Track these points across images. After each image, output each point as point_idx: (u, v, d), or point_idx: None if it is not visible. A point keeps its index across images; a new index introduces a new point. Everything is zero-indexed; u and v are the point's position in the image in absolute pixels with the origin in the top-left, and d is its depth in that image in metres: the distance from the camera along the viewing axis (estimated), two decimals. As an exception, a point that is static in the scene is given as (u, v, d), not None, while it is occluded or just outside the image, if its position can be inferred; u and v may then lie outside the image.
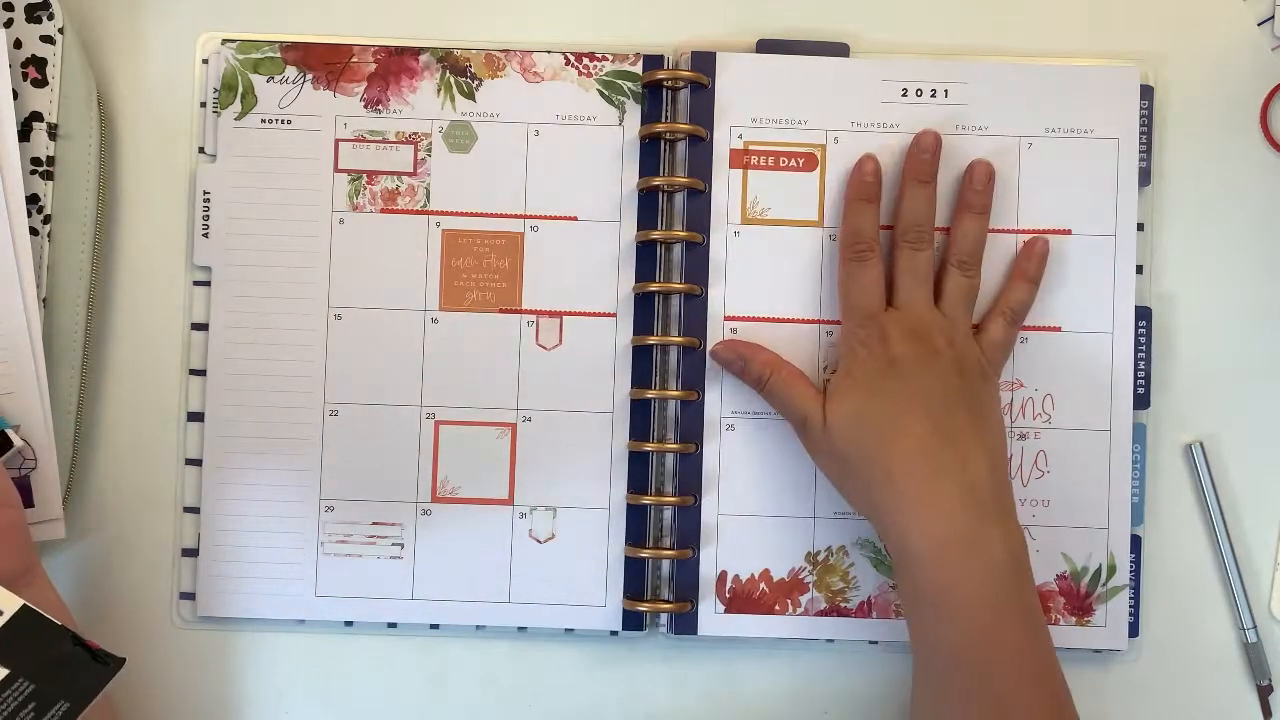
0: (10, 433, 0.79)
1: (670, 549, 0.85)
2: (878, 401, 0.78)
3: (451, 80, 0.86)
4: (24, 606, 0.66)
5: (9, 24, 0.81)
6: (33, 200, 0.81)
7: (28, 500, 0.80)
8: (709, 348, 0.85)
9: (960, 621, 0.74)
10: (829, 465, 0.81)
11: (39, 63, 0.82)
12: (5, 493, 0.75)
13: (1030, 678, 0.74)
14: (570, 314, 0.86)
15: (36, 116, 0.82)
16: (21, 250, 0.80)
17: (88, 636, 0.67)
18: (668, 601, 0.85)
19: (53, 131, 0.82)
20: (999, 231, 0.85)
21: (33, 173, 0.81)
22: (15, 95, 0.81)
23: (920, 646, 0.77)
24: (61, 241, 0.82)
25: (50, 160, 0.82)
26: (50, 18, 0.82)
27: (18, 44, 0.81)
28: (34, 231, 0.81)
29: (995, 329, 0.83)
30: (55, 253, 0.82)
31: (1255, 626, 0.86)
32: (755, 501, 0.85)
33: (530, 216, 0.86)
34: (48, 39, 0.82)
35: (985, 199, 0.84)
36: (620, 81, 0.86)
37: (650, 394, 0.85)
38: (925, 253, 0.82)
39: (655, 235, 0.85)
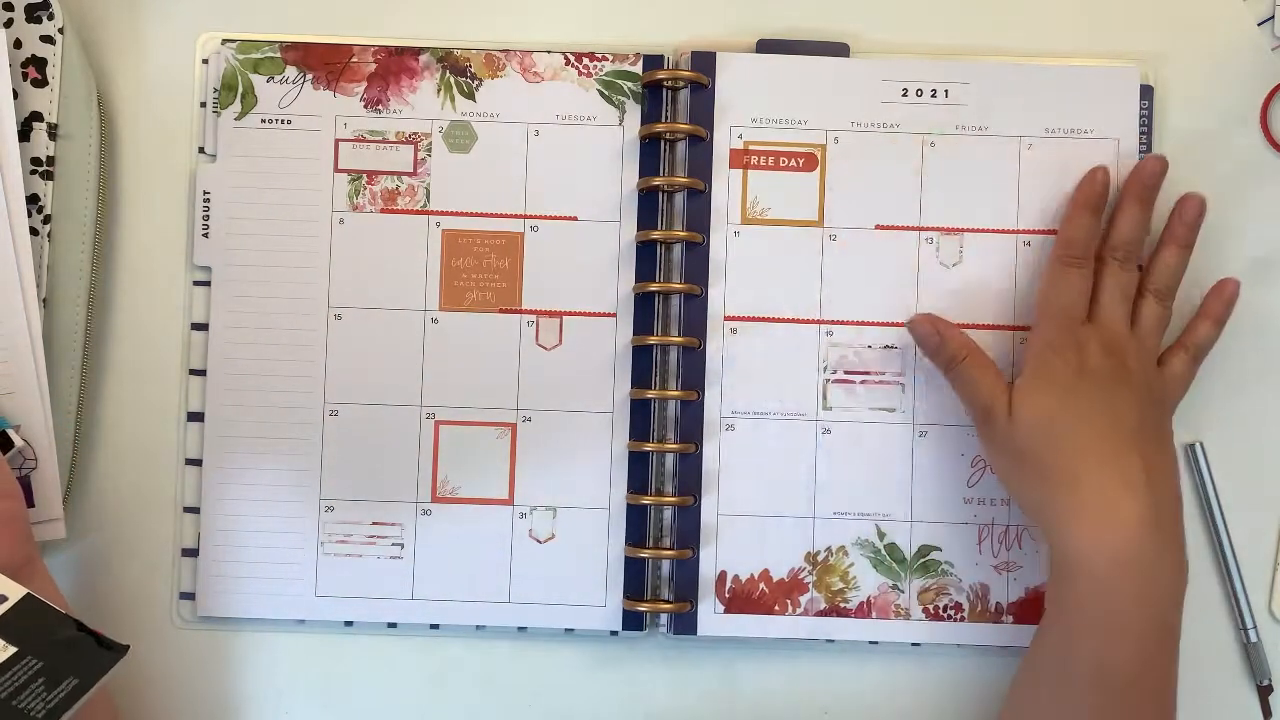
0: (11, 433, 0.79)
1: (670, 549, 0.85)
2: (1070, 407, 0.77)
3: (451, 80, 0.86)
4: (28, 594, 0.66)
5: (9, 24, 0.81)
6: (33, 200, 0.81)
7: (28, 500, 0.80)
8: (909, 321, 0.85)
9: (1126, 644, 0.74)
10: (1005, 460, 0.80)
11: (39, 63, 0.82)
12: (6, 484, 0.75)
13: (1171, 702, 0.76)
14: (570, 314, 0.86)
15: (36, 116, 0.82)
16: (21, 250, 0.80)
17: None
18: (667, 601, 0.85)
19: (53, 131, 0.82)
20: (999, 232, 0.86)
21: (33, 173, 0.81)
22: (15, 95, 0.81)
23: (1057, 657, 0.77)
24: (61, 241, 0.82)
25: (50, 160, 0.82)
26: (50, 18, 0.82)
27: (18, 44, 0.81)
28: (34, 231, 0.81)
29: (1178, 364, 0.83)
30: (55, 253, 0.82)
31: (1255, 626, 0.86)
32: (755, 501, 0.85)
33: (530, 216, 0.86)
34: (48, 39, 0.82)
35: (1192, 234, 0.84)
36: (620, 81, 0.86)
37: (650, 394, 0.85)
38: (1132, 273, 0.82)
39: (655, 235, 0.85)
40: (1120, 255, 0.81)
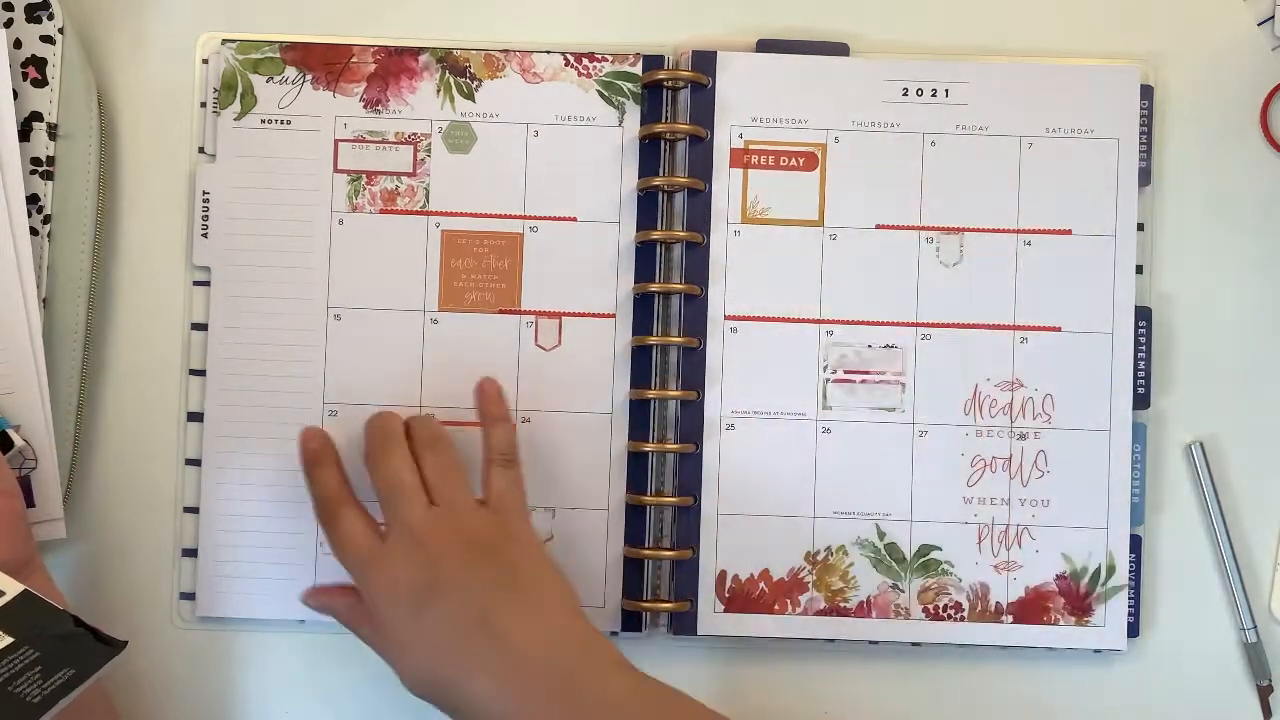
0: (11, 432, 0.79)
1: (670, 549, 0.85)
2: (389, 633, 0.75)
3: (451, 81, 0.86)
4: (25, 591, 0.67)
5: (9, 24, 0.81)
6: (33, 200, 0.81)
7: (28, 500, 0.80)
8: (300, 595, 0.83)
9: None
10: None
11: (39, 63, 0.82)
12: (5, 482, 0.75)
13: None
14: (569, 315, 0.86)
15: (36, 116, 0.82)
16: (21, 250, 0.80)
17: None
18: (667, 601, 0.85)
19: (53, 131, 0.82)
20: (1000, 231, 0.86)
21: (33, 173, 0.81)
22: (15, 95, 0.81)
23: None
24: (61, 241, 0.82)
25: (50, 160, 0.82)
26: (50, 18, 0.82)
27: (18, 44, 0.81)
28: (34, 231, 0.81)
29: (497, 479, 0.80)
30: (55, 253, 0.82)
31: (1255, 626, 0.86)
32: (754, 501, 0.85)
33: (530, 217, 0.86)
34: (48, 39, 0.82)
35: (503, 408, 0.83)
36: (620, 82, 0.86)
37: (650, 394, 0.85)
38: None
39: (655, 235, 0.85)
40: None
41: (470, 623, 0.72)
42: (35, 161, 0.82)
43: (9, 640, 0.63)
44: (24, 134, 0.81)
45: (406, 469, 0.78)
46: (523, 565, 0.77)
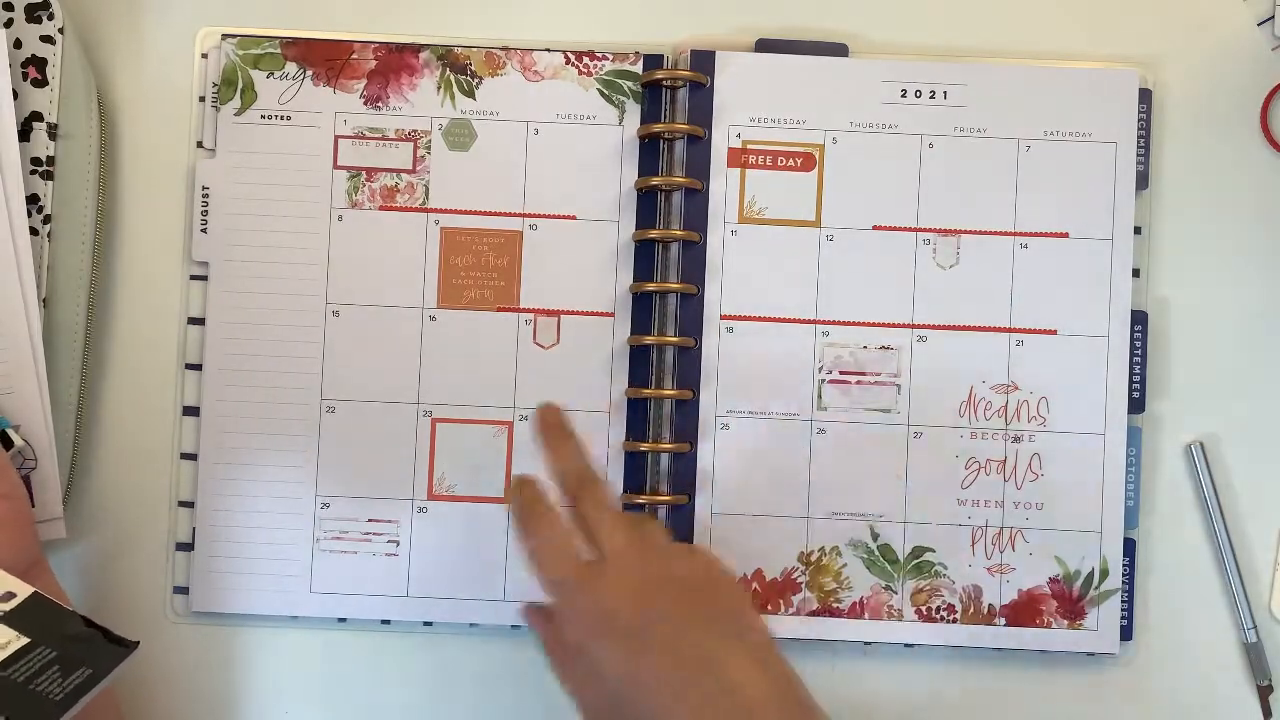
0: (11, 432, 0.80)
1: (664, 548, 0.85)
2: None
3: (451, 78, 0.87)
4: (35, 593, 0.68)
5: (9, 24, 0.82)
6: (33, 200, 0.82)
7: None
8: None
9: None
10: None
11: (39, 63, 0.82)
12: (9, 484, 0.76)
13: None
14: (568, 313, 0.86)
15: (36, 116, 0.82)
16: (21, 250, 0.80)
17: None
18: (661, 600, 0.85)
19: (53, 131, 0.82)
20: (997, 234, 0.86)
21: (33, 173, 0.82)
22: (15, 95, 0.81)
23: None
24: (61, 241, 0.83)
25: (50, 160, 0.82)
26: (50, 18, 0.82)
27: (18, 44, 0.82)
28: (34, 231, 0.81)
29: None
30: (55, 253, 0.82)
31: (1255, 626, 0.86)
32: (748, 501, 0.85)
33: (529, 215, 0.87)
34: (48, 39, 0.82)
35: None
36: (620, 81, 0.86)
37: (646, 393, 0.85)
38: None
39: (653, 234, 0.85)
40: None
41: (697, 669, 0.67)
42: (35, 161, 0.82)
43: (26, 640, 0.65)
44: (24, 134, 0.82)
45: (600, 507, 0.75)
46: (743, 611, 0.72)
